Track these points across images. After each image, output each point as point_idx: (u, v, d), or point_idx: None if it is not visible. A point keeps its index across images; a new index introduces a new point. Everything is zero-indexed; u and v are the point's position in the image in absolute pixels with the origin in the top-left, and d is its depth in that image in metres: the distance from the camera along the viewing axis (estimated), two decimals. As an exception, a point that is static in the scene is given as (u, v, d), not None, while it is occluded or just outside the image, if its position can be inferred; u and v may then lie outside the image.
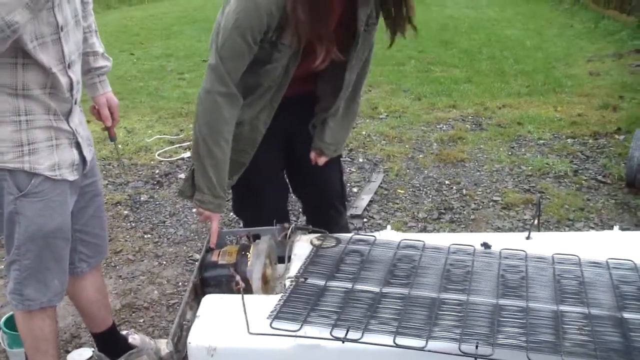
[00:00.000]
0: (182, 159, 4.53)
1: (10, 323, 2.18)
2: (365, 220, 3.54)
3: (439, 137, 4.84)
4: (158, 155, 4.64)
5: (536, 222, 2.06)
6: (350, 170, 4.24)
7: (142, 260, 3.21)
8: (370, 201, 3.75)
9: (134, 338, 2.29)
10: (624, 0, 9.11)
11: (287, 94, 1.97)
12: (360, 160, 4.44)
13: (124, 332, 2.32)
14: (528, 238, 1.86)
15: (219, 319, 1.51)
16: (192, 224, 3.58)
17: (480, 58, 7.50)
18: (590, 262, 1.68)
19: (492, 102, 5.68)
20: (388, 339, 1.36)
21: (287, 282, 1.63)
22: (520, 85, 6.24)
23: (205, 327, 1.48)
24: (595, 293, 1.54)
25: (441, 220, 3.52)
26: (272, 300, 1.54)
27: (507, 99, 5.77)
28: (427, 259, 1.72)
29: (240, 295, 1.55)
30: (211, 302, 1.59)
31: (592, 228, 3.35)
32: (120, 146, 4.65)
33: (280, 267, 1.88)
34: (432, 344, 1.34)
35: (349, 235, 1.88)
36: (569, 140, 4.66)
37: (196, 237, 3.44)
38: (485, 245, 1.78)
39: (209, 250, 1.89)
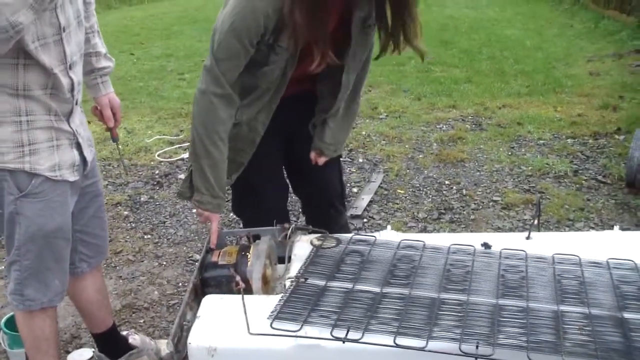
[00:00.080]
0: (182, 159, 4.53)
1: (11, 323, 2.18)
2: (365, 220, 3.54)
3: (439, 137, 4.84)
4: (158, 155, 4.64)
5: (536, 222, 2.06)
6: (350, 170, 4.24)
7: (142, 261, 3.21)
8: (370, 201, 3.76)
9: (134, 338, 2.29)
10: (624, 0, 9.11)
11: (286, 94, 1.97)
12: (360, 160, 4.44)
13: (124, 333, 2.32)
14: (528, 238, 1.86)
15: (219, 319, 1.51)
16: (192, 225, 3.58)
17: (480, 58, 7.50)
18: (591, 262, 1.68)
19: (492, 102, 5.68)
20: (388, 339, 1.36)
21: (288, 283, 1.63)
22: (520, 85, 6.24)
23: (205, 327, 1.48)
24: (596, 293, 1.54)
25: (441, 220, 3.52)
26: (273, 301, 1.54)
27: (507, 99, 5.77)
28: (427, 259, 1.72)
29: (240, 296, 1.55)
30: (211, 302, 1.59)
31: (592, 228, 3.35)
32: (120, 146, 4.64)
33: (281, 267, 1.88)
34: (433, 344, 1.34)
35: (349, 235, 1.88)
36: (569, 140, 4.66)
37: (196, 237, 3.44)
38: (486, 246, 1.78)
39: (209, 250, 1.89)
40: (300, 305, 1.50)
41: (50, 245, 1.81)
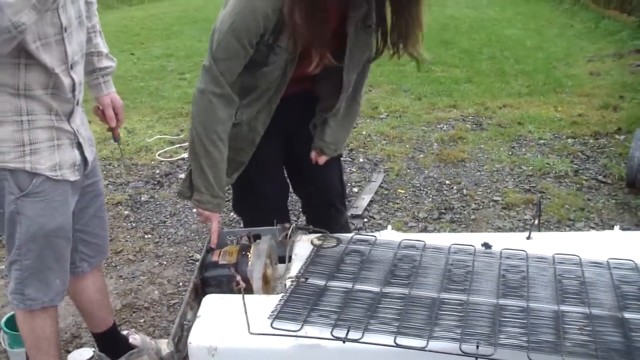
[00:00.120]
0: (183, 159, 4.53)
1: (11, 323, 2.18)
2: (365, 220, 3.54)
3: (440, 137, 4.84)
4: (158, 155, 4.64)
5: (537, 222, 2.06)
6: (350, 170, 4.24)
7: (143, 261, 3.21)
8: (371, 201, 3.76)
9: (135, 338, 2.29)
10: (625, 0, 9.11)
11: (286, 94, 1.97)
12: (361, 160, 4.44)
13: (124, 332, 2.32)
14: (529, 238, 1.86)
15: (219, 319, 1.51)
16: (192, 224, 3.58)
17: (480, 58, 7.50)
18: (591, 262, 1.68)
19: (493, 102, 5.68)
20: (389, 339, 1.36)
21: (288, 282, 1.63)
22: (521, 85, 6.23)
23: (206, 327, 1.48)
24: (596, 293, 1.54)
25: (442, 220, 3.52)
26: (273, 300, 1.54)
27: (507, 99, 5.76)
28: (427, 259, 1.72)
29: (241, 295, 1.55)
30: (212, 302, 1.59)
31: (593, 228, 3.35)
32: (121, 147, 4.64)
33: (281, 267, 1.88)
34: (433, 344, 1.34)
35: (349, 235, 1.88)
36: (569, 140, 4.66)
37: (197, 237, 3.44)
38: (486, 245, 1.78)
39: (209, 250, 1.89)
40: (300, 305, 1.51)
41: (50, 244, 1.81)
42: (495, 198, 3.75)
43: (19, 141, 1.68)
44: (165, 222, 3.62)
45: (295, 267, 1.72)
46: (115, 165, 4.44)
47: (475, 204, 3.70)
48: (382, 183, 4.02)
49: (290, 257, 1.82)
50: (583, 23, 9.52)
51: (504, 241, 1.79)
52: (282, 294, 1.57)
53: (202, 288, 1.77)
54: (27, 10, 1.45)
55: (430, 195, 3.84)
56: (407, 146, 4.67)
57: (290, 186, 2.38)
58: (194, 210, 3.55)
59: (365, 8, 1.82)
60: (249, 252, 1.79)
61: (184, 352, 1.51)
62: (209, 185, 1.93)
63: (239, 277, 1.68)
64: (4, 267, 2.00)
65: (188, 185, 2.01)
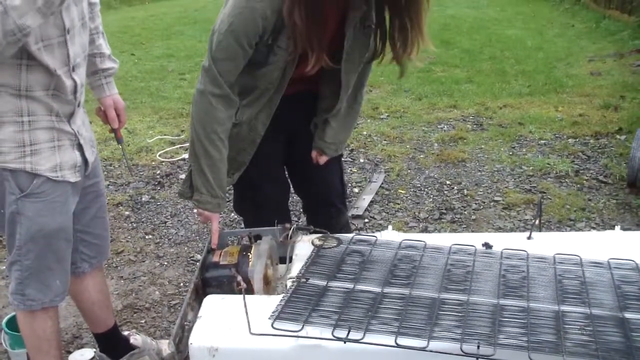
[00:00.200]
0: (183, 159, 4.53)
1: (12, 324, 2.18)
2: (366, 220, 3.55)
3: (440, 137, 4.84)
4: (159, 155, 4.64)
5: (537, 222, 2.06)
6: (351, 170, 4.24)
7: (144, 261, 3.21)
8: (372, 201, 3.76)
9: (136, 339, 2.29)
10: (625, 0, 9.10)
11: (287, 94, 1.98)
12: (361, 160, 4.44)
13: (125, 333, 2.32)
14: (529, 238, 1.86)
15: (220, 319, 1.51)
16: (193, 225, 3.58)
17: (481, 58, 7.50)
18: (592, 262, 1.68)
19: (493, 102, 5.68)
20: (389, 339, 1.36)
21: (289, 283, 1.63)
22: (522, 85, 6.23)
23: (206, 327, 1.48)
24: (597, 293, 1.54)
25: (442, 220, 3.52)
26: (274, 301, 1.54)
27: (508, 99, 5.76)
28: (428, 259, 1.72)
29: (241, 296, 1.55)
30: (213, 302, 1.59)
31: (594, 228, 3.35)
32: (123, 147, 4.64)
33: (282, 267, 1.88)
34: (434, 344, 1.34)
35: (350, 235, 1.88)
36: (570, 140, 4.66)
37: (197, 237, 3.44)
38: (487, 246, 1.78)
39: (210, 250, 1.89)
40: (301, 305, 1.51)
41: (51, 245, 1.81)
42: (495, 198, 3.75)
43: (19, 142, 1.69)
44: (166, 222, 3.63)
45: (296, 267, 1.72)
46: (116, 166, 4.44)
47: (475, 204, 3.70)
48: (382, 183, 4.02)
49: (291, 258, 1.82)
50: (584, 23, 9.52)
51: (504, 241, 1.79)
52: (283, 294, 1.57)
53: (203, 288, 1.77)
54: (32, 13, 1.45)
55: (431, 196, 3.84)
56: (407, 146, 4.68)
57: (291, 186, 2.38)
58: (194, 210, 3.56)
59: (364, 9, 1.82)
60: (250, 252, 1.79)
61: (185, 352, 1.51)
62: (209, 185, 1.93)
63: (239, 278, 1.68)
64: (4, 267, 2.01)
65: (189, 186, 2.01)
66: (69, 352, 2.10)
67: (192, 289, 1.72)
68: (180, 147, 4.79)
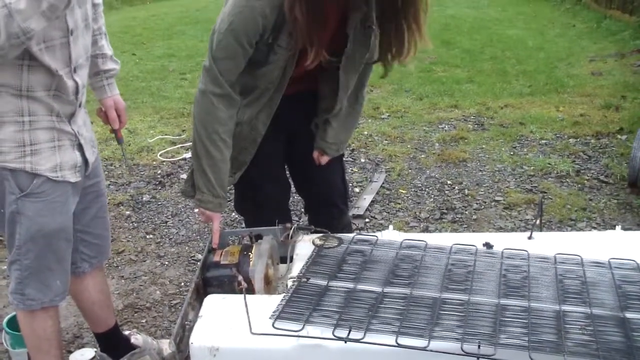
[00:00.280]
0: (184, 159, 4.53)
1: (13, 323, 2.18)
2: (367, 220, 3.54)
3: (441, 137, 4.84)
4: (160, 155, 4.64)
5: (538, 222, 2.06)
6: (352, 170, 4.24)
7: (145, 261, 3.21)
8: (372, 201, 3.75)
9: (137, 338, 2.29)
10: (626, 0, 9.10)
11: (287, 93, 1.97)
12: (362, 160, 4.44)
13: (126, 333, 2.32)
14: (530, 238, 1.86)
15: (221, 319, 1.51)
16: (194, 224, 3.58)
17: (482, 58, 7.50)
18: (593, 262, 1.68)
19: (494, 102, 5.68)
20: (390, 339, 1.36)
21: (290, 282, 1.63)
22: (523, 85, 6.23)
23: (207, 327, 1.48)
24: (598, 293, 1.54)
25: (443, 220, 3.52)
26: (275, 301, 1.54)
27: (509, 99, 5.76)
28: (429, 259, 1.72)
29: (242, 296, 1.55)
30: (213, 302, 1.59)
31: (595, 228, 3.35)
32: (124, 147, 4.64)
33: (283, 267, 1.88)
34: (435, 344, 1.34)
35: (351, 235, 1.88)
36: (571, 140, 4.66)
37: (198, 237, 3.44)
38: (488, 245, 1.78)
39: (211, 250, 1.89)
40: (302, 305, 1.51)
41: (51, 245, 1.81)
42: (496, 198, 3.75)
43: (19, 141, 1.69)
44: (166, 222, 3.63)
45: (297, 267, 1.72)
46: (117, 166, 4.44)
47: (476, 204, 3.69)
48: (383, 183, 4.02)
49: (291, 257, 1.82)
50: (585, 23, 9.51)
51: (505, 241, 1.79)
52: (284, 294, 1.58)
53: (204, 288, 1.77)
54: (37, 17, 1.45)
55: (432, 196, 3.84)
56: (408, 146, 4.67)
57: (293, 186, 2.38)
58: (196, 210, 3.56)
59: (364, 9, 1.82)
60: (251, 252, 1.79)
61: (185, 352, 1.51)
62: (210, 185, 1.93)
63: (240, 277, 1.68)
64: (5, 267, 2.01)
65: (191, 185, 2.02)
66: (70, 352, 2.10)
67: (193, 289, 1.72)
68: (181, 147, 4.79)
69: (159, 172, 4.36)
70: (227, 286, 1.73)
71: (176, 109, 5.82)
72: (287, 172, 2.33)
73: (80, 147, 1.84)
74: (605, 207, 3.58)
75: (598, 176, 3.99)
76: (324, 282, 1.60)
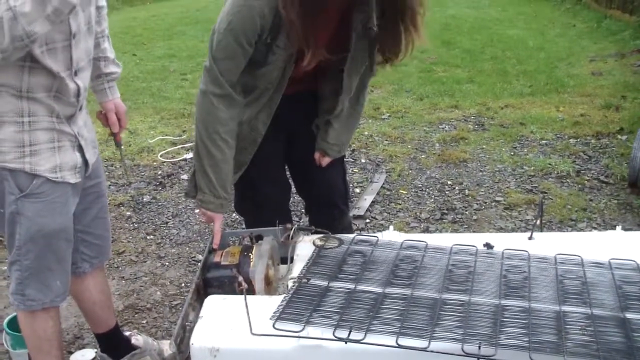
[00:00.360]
0: (185, 159, 4.53)
1: (14, 324, 2.18)
2: (367, 220, 3.55)
3: (441, 137, 4.84)
4: (160, 156, 4.64)
5: (538, 222, 2.06)
6: (352, 170, 4.24)
7: (145, 261, 3.22)
8: (373, 202, 3.76)
9: (137, 339, 2.29)
10: (627, 0, 9.10)
11: (287, 93, 1.97)
12: (363, 160, 4.44)
13: (127, 333, 2.32)
14: (530, 238, 1.86)
15: (221, 319, 1.51)
16: (194, 225, 3.58)
17: (482, 58, 7.49)
18: (593, 262, 1.68)
19: (495, 103, 5.68)
20: (390, 340, 1.36)
21: (290, 283, 1.64)
22: (523, 85, 6.23)
23: (208, 328, 1.48)
24: (598, 293, 1.54)
25: (444, 220, 3.52)
26: (275, 301, 1.54)
27: (509, 99, 5.76)
28: (429, 260, 1.72)
29: (242, 296, 1.55)
30: (214, 303, 1.59)
31: (595, 228, 3.35)
32: (123, 147, 4.64)
33: (283, 267, 1.88)
34: (435, 345, 1.34)
35: (351, 235, 1.88)
36: (571, 140, 4.66)
37: (199, 238, 3.44)
38: (488, 246, 1.78)
39: (211, 251, 1.89)
40: (302, 305, 1.51)
41: (51, 245, 1.81)
42: (497, 198, 3.75)
43: (19, 142, 1.69)
44: (167, 223, 3.63)
45: (297, 267, 1.72)
46: (118, 166, 4.44)
47: (477, 204, 3.69)
48: (384, 183, 4.02)
49: (292, 258, 1.82)
50: (585, 23, 9.51)
51: (505, 241, 1.79)
52: (284, 294, 1.58)
53: (204, 289, 1.77)
54: (41, 20, 1.45)
55: (432, 196, 3.84)
56: (409, 147, 4.67)
57: (294, 187, 2.38)
58: (197, 210, 3.56)
59: (366, 10, 1.82)
60: (251, 252, 1.79)
61: (186, 353, 1.51)
62: (212, 185, 1.94)
63: (241, 278, 1.68)
64: (6, 267, 2.01)
65: (194, 185, 2.02)
66: (70, 353, 2.10)
67: (193, 290, 1.72)
68: (181, 148, 4.80)
69: (160, 172, 4.36)
70: (228, 287, 1.73)
71: (177, 109, 5.83)
72: (288, 173, 2.33)
73: (80, 148, 1.84)
74: (606, 208, 3.58)
75: (598, 176, 3.99)
76: (324, 283, 1.61)
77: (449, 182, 4.01)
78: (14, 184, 1.72)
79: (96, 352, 1.98)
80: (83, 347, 2.41)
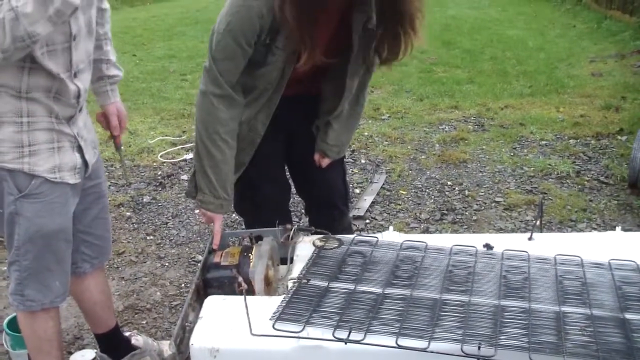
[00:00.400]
0: (185, 160, 4.53)
1: (14, 324, 2.18)
2: (367, 221, 3.55)
3: (441, 138, 4.84)
4: (160, 156, 4.64)
5: (538, 223, 2.06)
6: (352, 171, 4.24)
7: (145, 262, 3.22)
8: (373, 202, 3.76)
9: (137, 339, 2.29)
10: (627, 0, 9.10)
11: (287, 94, 1.97)
12: (363, 161, 4.44)
13: (126, 334, 2.33)
14: (530, 239, 1.86)
15: (221, 320, 1.51)
16: (194, 226, 3.58)
17: (482, 58, 7.50)
18: (593, 263, 1.68)
19: (495, 103, 5.68)
20: (390, 340, 1.36)
21: (290, 284, 1.64)
22: (523, 85, 6.23)
23: (207, 328, 1.48)
24: (598, 294, 1.54)
25: (443, 221, 3.52)
26: (275, 302, 1.54)
27: (509, 100, 5.76)
28: (429, 260, 1.72)
29: (242, 297, 1.55)
30: (214, 303, 1.59)
31: (595, 229, 3.35)
32: (122, 148, 4.63)
33: (283, 268, 1.88)
34: (435, 345, 1.34)
35: (351, 236, 1.88)
36: (571, 141, 4.66)
37: (199, 238, 3.44)
38: (488, 246, 1.78)
39: (211, 251, 1.89)
40: (302, 306, 1.51)
41: (50, 246, 1.81)
42: (497, 199, 3.75)
43: (18, 142, 1.69)
44: (167, 223, 3.63)
45: (297, 268, 1.72)
46: (118, 167, 4.44)
47: (477, 205, 3.69)
48: (384, 184, 4.02)
49: (292, 259, 1.82)
50: (585, 23, 9.52)
51: (505, 242, 1.79)
52: (284, 295, 1.58)
53: (204, 289, 1.77)
54: (43, 21, 1.46)
55: (432, 196, 3.84)
56: (408, 147, 4.68)
57: (294, 187, 2.38)
58: (196, 211, 3.57)
59: (367, 11, 1.82)
60: (251, 253, 1.80)
61: (186, 353, 1.51)
62: (212, 186, 1.94)
63: (240, 279, 1.68)
64: (5, 268, 2.01)
65: (194, 185, 2.02)
66: (70, 353, 2.10)
67: (193, 290, 1.72)
68: (181, 148, 4.80)
69: (160, 173, 4.36)
70: (228, 287, 1.73)
71: (177, 110, 5.83)
72: (288, 174, 2.33)
73: (79, 149, 1.84)
74: (606, 208, 3.58)
75: (598, 177, 3.99)
76: (324, 284, 1.61)
77: (449, 183, 4.01)
78: (13, 184, 1.72)
79: (96, 353, 1.98)
80: (83, 348, 2.41)
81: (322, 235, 1.89)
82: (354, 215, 3.51)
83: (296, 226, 1.92)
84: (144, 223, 3.64)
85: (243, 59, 1.84)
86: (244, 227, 2.44)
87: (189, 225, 3.60)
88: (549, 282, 1.59)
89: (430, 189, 3.95)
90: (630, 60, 6.95)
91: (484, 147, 4.62)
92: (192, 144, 4.61)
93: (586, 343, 1.35)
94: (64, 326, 2.60)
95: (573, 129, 4.88)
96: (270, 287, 1.77)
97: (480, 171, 4.19)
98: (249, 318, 1.46)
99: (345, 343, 1.37)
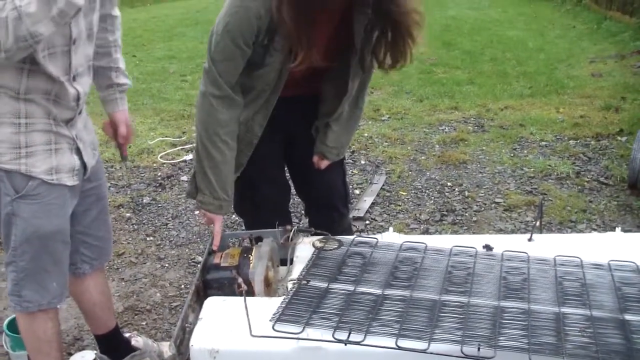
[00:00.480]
0: (185, 161, 4.53)
1: (13, 326, 2.18)
2: (367, 222, 3.54)
3: (441, 138, 4.84)
4: (160, 157, 4.64)
5: (538, 223, 2.06)
6: (352, 172, 4.24)
7: (145, 263, 3.22)
8: (373, 203, 3.75)
9: (137, 340, 2.29)
10: (627, 1, 9.11)
11: (285, 95, 1.97)
12: (363, 162, 4.44)
13: (126, 335, 2.32)
14: (530, 240, 1.86)
15: (221, 321, 1.51)
16: (194, 227, 3.58)
17: (482, 59, 7.50)
18: (593, 264, 1.68)
19: (495, 104, 5.68)
20: (390, 341, 1.36)
21: (290, 285, 1.64)
22: (523, 86, 6.23)
23: (207, 329, 1.48)
24: (597, 295, 1.54)
25: (443, 222, 3.52)
26: (275, 303, 1.54)
27: (509, 101, 5.77)
28: (429, 261, 1.72)
29: (242, 298, 1.55)
30: (213, 304, 1.59)
31: (595, 230, 3.35)
32: (126, 163, 4.61)
33: (283, 269, 1.88)
34: (434, 346, 1.34)
35: (351, 237, 1.88)
36: (571, 141, 4.66)
37: (198, 239, 3.44)
38: (487, 247, 1.79)
39: (211, 252, 1.89)
40: (302, 307, 1.51)
41: (47, 247, 1.81)
42: (496, 200, 3.75)
43: (15, 143, 1.69)
44: (167, 224, 3.63)
45: (297, 269, 1.72)
46: (118, 168, 4.44)
47: (476, 205, 3.69)
48: (383, 185, 4.02)
49: (291, 260, 1.82)
50: (585, 24, 9.53)
51: (505, 243, 1.80)
52: (284, 296, 1.58)
53: (204, 290, 1.77)
54: (46, 21, 1.45)
55: (432, 197, 3.84)
56: (408, 148, 4.68)
57: (294, 188, 2.38)
58: (196, 212, 3.57)
59: (368, 13, 1.82)
60: (251, 254, 1.80)
61: (185, 354, 1.51)
62: (212, 187, 1.94)
63: (240, 280, 1.69)
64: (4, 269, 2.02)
65: (194, 186, 2.02)
66: (70, 354, 2.10)
67: (193, 291, 1.72)
68: (181, 149, 4.80)
69: (159, 174, 4.36)
70: (227, 288, 1.74)
71: (176, 110, 5.83)
72: (288, 175, 2.33)
73: (78, 151, 1.84)
74: (605, 209, 3.58)
75: (598, 178, 3.99)
76: (324, 285, 1.61)
77: (449, 184, 4.01)
78: (10, 185, 1.72)
79: (96, 354, 1.98)
80: (83, 349, 2.41)
81: (322, 237, 1.89)
82: (353, 216, 3.51)
83: (296, 227, 1.92)
84: (143, 224, 3.64)
85: (242, 60, 1.84)
86: (244, 228, 2.44)
87: (189, 226, 3.60)
88: (548, 283, 1.60)
89: (430, 189, 3.95)
90: (630, 60, 6.95)
91: (483, 148, 4.62)
92: (192, 145, 4.61)
93: (586, 344, 1.35)
94: (64, 327, 2.60)
95: (573, 129, 4.88)
96: (270, 288, 1.77)
97: (480, 172, 4.19)
98: (248, 319, 1.46)
99: (345, 344, 1.37)
